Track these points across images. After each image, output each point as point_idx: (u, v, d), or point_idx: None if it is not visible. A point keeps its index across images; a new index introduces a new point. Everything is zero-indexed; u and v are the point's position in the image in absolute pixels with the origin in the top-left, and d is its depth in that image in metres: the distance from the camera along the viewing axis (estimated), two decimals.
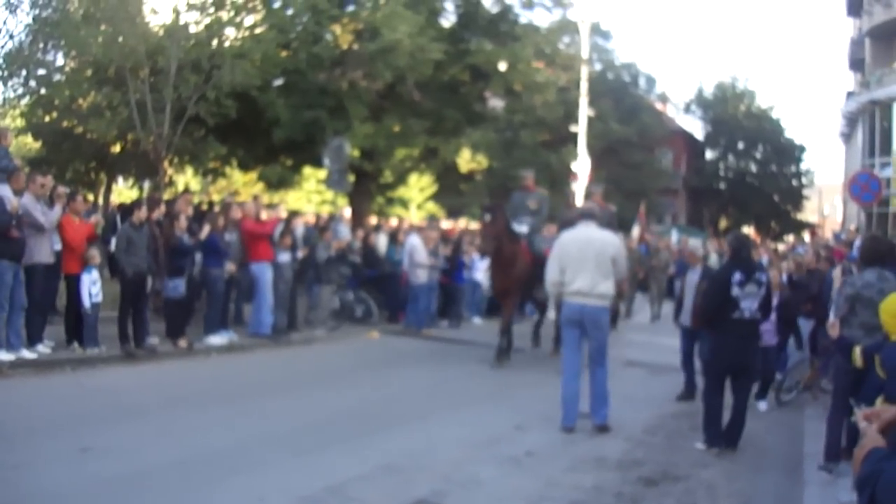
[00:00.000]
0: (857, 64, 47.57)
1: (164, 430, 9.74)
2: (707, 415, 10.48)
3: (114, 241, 15.68)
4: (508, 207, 17.10)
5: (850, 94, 45.76)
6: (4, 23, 21.09)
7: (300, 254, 17.91)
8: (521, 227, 16.77)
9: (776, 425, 12.24)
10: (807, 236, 36.66)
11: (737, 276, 10.21)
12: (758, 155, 63.50)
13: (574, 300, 10.88)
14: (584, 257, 10.83)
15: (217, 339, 15.85)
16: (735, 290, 10.15)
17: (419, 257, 19.76)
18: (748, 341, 10.47)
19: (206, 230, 15.69)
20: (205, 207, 22.46)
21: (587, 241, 10.99)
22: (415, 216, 36.32)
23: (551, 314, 17.15)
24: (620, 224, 22.32)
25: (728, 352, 10.29)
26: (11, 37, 21.22)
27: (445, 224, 29.99)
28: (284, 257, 17.10)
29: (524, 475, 8.89)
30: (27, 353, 12.75)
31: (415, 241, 20.10)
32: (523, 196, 17.61)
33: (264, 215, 17.34)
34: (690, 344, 13.52)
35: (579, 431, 10.91)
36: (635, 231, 23.65)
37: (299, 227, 18.37)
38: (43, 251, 13.23)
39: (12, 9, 21.03)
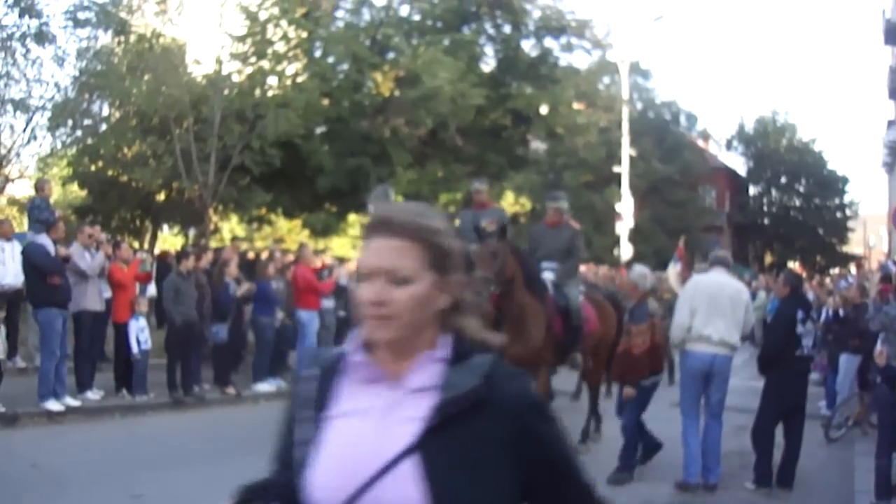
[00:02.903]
0: None
1: (213, 477, 9.76)
2: (760, 455, 10.39)
3: (150, 289, 15.91)
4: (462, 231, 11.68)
5: (891, 123, 45.33)
6: (52, 76, 21.42)
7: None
8: None
9: (826, 462, 12.12)
10: (853, 268, 36.34)
11: (800, 314, 10.18)
12: (801, 189, 63.06)
13: (704, 349, 10.26)
14: (717, 304, 10.26)
15: (265, 387, 15.92)
16: (799, 328, 10.12)
17: None
18: (806, 379, 10.49)
19: (244, 288, 15.84)
20: (252, 256, 22.59)
21: (720, 287, 10.45)
22: None
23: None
24: (662, 263, 21.81)
25: (791, 391, 10.25)
26: (59, 89, 21.52)
27: None
28: (327, 304, 17.17)
29: None
30: (72, 401, 12.88)
31: None
32: (476, 215, 12.87)
33: (319, 262, 17.39)
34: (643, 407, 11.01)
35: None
36: (673, 269, 22.48)
37: (343, 274, 18.40)
38: (90, 298, 13.43)
39: (59, 62, 21.36)
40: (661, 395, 14.32)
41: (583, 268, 24.34)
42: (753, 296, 27.56)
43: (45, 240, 12.98)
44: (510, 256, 10.93)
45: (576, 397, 15.92)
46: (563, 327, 11.76)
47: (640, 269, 11.76)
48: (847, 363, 14.53)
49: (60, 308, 12.66)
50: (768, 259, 63.96)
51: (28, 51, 20.53)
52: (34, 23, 20.32)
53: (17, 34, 20.22)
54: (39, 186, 17.31)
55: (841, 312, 15.75)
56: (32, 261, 12.72)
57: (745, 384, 14.48)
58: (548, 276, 12.18)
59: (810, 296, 18.20)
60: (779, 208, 63.85)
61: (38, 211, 16.36)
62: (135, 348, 13.98)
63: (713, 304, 10.21)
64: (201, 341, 15.12)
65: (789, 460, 10.32)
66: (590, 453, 11.48)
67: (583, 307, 12.44)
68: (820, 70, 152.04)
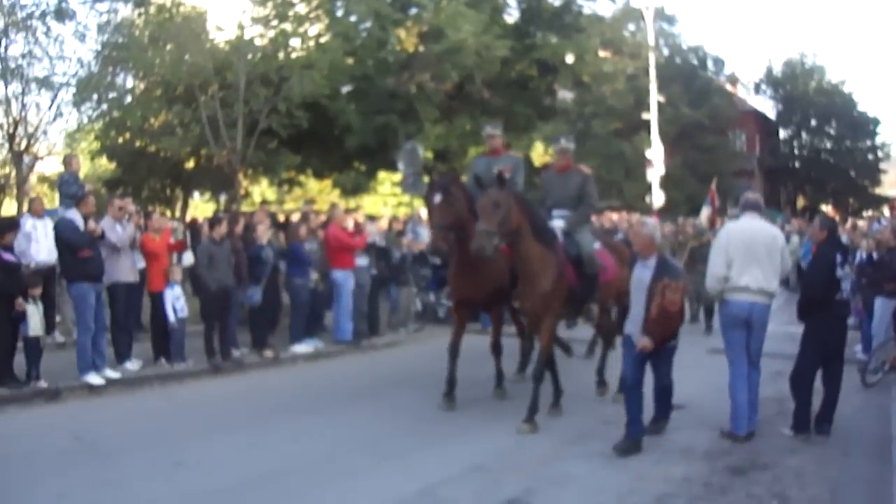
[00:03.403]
0: None
1: (254, 441, 9.86)
2: (799, 401, 10.28)
3: (187, 257, 15.94)
4: (469, 181, 11.96)
5: None
6: (74, 51, 21.50)
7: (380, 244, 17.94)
8: None
9: (863, 408, 12.02)
10: (886, 210, 36.04)
11: (839, 257, 10.07)
12: (831, 131, 62.58)
13: (742, 297, 10.08)
14: (753, 252, 10.06)
15: (302, 348, 15.95)
16: (838, 271, 10.02)
17: None
18: (845, 323, 10.39)
19: (265, 233, 15.85)
20: (282, 218, 22.61)
21: (754, 233, 10.21)
22: None
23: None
24: (694, 209, 21.61)
25: (833, 335, 10.15)
26: (82, 64, 21.58)
27: None
28: (361, 261, 17.15)
29: (614, 470, 8.85)
30: (112, 373, 12.99)
31: None
32: (489, 162, 12.30)
33: (350, 222, 17.31)
34: (641, 369, 9.83)
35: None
36: (704, 213, 22.06)
37: (375, 232, 18.36)
38: (123, 270, 13.48)
39: (81, 37, 21.41)
40: (699, 341, 14.26)
41: (614, 216, 24.13)
42: (787, 240, 27.47)
43: (74, 214, 13.00)
44: (514, 205, 10.40)
45: (591, 352, 15.36)
46: (577, 276, 11.29)
47: (652, 222, 10.79)
48: (882, 307, 14.39)
49: (93, 282, 12.71)
50: (800, 203, 63.64)
51: (49, 28, 20.61)
52: (53, 0, 20.37)
53: (38, 13, 20.30)
54: (67, 162, 17.47)
55: (875, 256, 15.62)
56: (62, 236, 12.81)
57: (782, 329, 14.36)
58: (558, 224, 11.67)
59: (844, 239, 18.05)
60: (810, 151, 63.44)
61: (66, 186, 16.55)
62: (171, 317, 14.04)
63: (749, 253, 10.02)
64: (237, 306, 15.19)
65: (828, 406, 10.22)
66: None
67: (599, 255, 11.97)
68: (848, 11, 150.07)
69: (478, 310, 13.65)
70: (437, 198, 11.25)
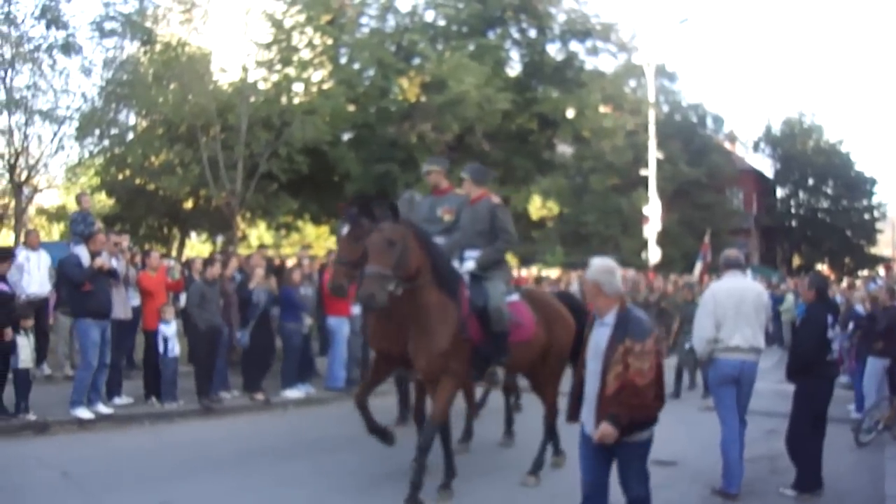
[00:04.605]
0: None
1: (242, 484, 9.81)
2: (799, 463, 10.18)
3: (183, 297, 15.92)
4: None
5: None
6: (79, 86, 21.59)
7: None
8: None
9: (856, 467, 11.99)
10: (881, 270, 36.01)
11: (830, 318, 10.06)
12: (829, 190, 62.66)
13: (733, 357, 9.88)
14: (742, 311, 9.93)
15: (294, 393, 15.90)
16: (829, 333, 9.99)
17: None
18: (833, 383, 10.36)
19: (256, 277, 15.82)
20: (277, 262, 22.62)
21: (742, 293, 10.07)
22: None
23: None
24: (690, 266, 21.52)
25: (824, 395, 10.12)
26: (86, 99, 21.66)
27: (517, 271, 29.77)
28: (357, 309, 17.11)
29: None
30: (105, 409, 12.96)
31: None
32: (433, 202, 11.14)
33: None
34: (604, 471, 7.02)
35: (656, 479, 10.79)
36: (698, 268, 21.58)
37: None
38: (116, 307, 13.46)
39: (86, 72, 21.51)
40: (691, 400, 14.24)
41: None
42: (781, 299, 27.46)
43: (80, 250, 13.05)
44: (413, 243, 8.93)
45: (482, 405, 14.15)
46: (482, 333, 9.49)
47: (602, 263, 6.98)
48: (872, 366, 14.39)
49: (97, 318, 12.68)
50: (796, 261, 63.59)
51: (55, 62, 20.76)
52: (61, 34, 20.54)
53: (45, 46, 20.46)
54: (78, 200, 17.73)
55: (873, 315, 15.61)
56: (63, 270, 12.94)
57: (775, 387, 14.39)
58: (469, 265, 10.01)
59: (838, 299, 18.01)
60: (806, 210, 63.48)
61: (75, 224, 16.71)
62: (163, 356, 14.03)
63: (739, 313, 9.92)
64: (227, 348, 15.17)
65: (818, 464, 10.21)
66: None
67: (515, 309, 10.02)
68: (846, 71, 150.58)
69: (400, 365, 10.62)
70: (345, 230, 9.86)
